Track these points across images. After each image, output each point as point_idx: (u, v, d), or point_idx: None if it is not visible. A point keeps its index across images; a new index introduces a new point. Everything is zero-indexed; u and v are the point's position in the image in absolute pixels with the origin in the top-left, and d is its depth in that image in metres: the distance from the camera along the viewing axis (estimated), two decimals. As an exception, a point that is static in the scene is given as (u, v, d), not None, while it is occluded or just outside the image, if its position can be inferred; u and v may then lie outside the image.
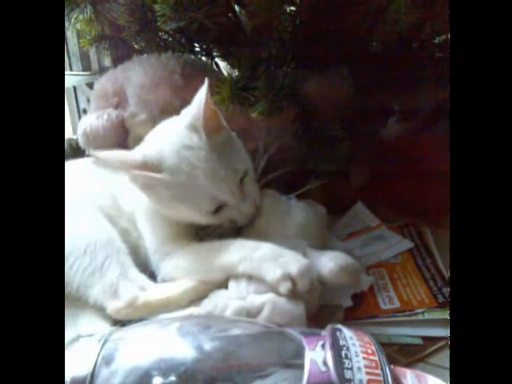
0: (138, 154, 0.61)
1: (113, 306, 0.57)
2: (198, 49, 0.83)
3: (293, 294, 0.53)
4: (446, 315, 0.58)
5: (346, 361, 0.39)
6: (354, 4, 0.66)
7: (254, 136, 0.71)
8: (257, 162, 0.68)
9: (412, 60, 0.76)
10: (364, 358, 0.40)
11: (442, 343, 0.57)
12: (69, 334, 0.53)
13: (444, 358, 0.55)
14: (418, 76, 0.75)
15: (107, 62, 1.14)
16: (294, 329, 0.45)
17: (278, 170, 0.69)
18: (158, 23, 0.67)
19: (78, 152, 0.81)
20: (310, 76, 0.70)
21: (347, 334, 0.43)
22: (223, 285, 0.58)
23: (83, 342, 0.45)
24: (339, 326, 0.45)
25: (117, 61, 0.86)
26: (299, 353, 0.40)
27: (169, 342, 0.43)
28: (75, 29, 0.81)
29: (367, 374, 0.38)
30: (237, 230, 0.65)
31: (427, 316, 0.59)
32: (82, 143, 0.79)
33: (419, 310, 0.60)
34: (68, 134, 1.13)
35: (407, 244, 0.73)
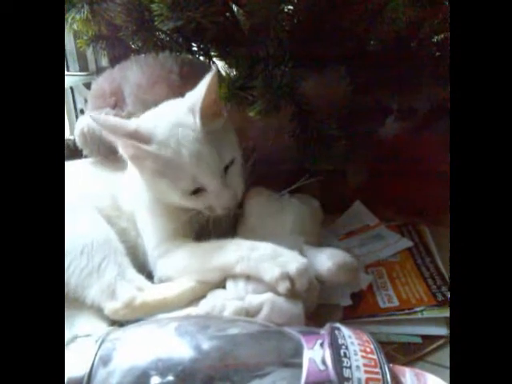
0: (133, 123, 0.61)
1: (110, 307, 0.57)
2: (195, 48, 0.83)
3: (291, 294, 0.53)
4: (445, 314, 0.58)
5: (345, 359, 0.39)
6: (351, 3, 0.66)
7: (250, 135, 0.70)
8: (248, 158, 0.68)
9: (410, 59, 0.76)
10: (363, 357, 0.39)
11: (440, 342, 0.57)
12: (66, 335, 0.52)
13: (443, 357, 0.54)
14: (416, 75, 0.75)
15: (104, 62, 1.14)
16: (292, 328, 0.45)
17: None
18: (156, 23, 0.67)
19: (76, 152, 0.80)
20: (308, 75, 0.70)
21: (346, 333, 0.43)
22: (221, 285, 0.58)
23: (80, 342, 0.45)
24: (338, 324, 0.45)
25: (114, 61, 0.86)
26: (298, 352, 0.40)
27: (166, 341, 0.43)
28: (72, 29, 0.80)
29: (366, 372, 0.38)
30: (231, 229, 0.64)
31: (426, 314, 0.59)
32: (79, 143, 0.78)
33: (418, 309, 0.60)
34: (65, 134, 1.13)
35: (406, 243, 0.73)
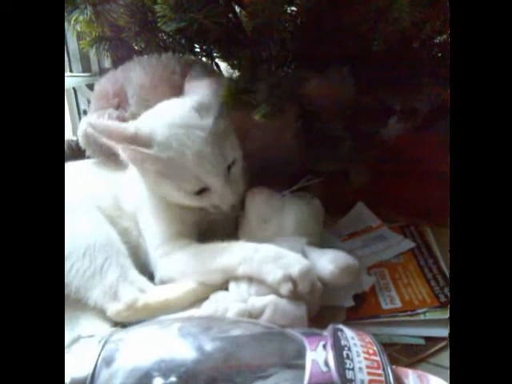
0: (131, 126, 0.60)
1: (113, 309, 0.57)
2: (198, 49, 0.83)
3: (294, 296, 0.53)
4: (448, 315, 0.58)
5: (348, 361, 0.39)
6: (354, 3, 0.66)
7: (253, 135, 0.70)
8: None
9: (413, 60, 0.76)
10: (365, 359, 0.39)
11: (443, 343, 0.56)
12: (69, 335, 0.53)
13: (446, 358, 0.54)
14: (418, 76, 0.75)
15: (107, 63, 1.14)
16: (295, 329, 0.45)
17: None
18: (158, 24, 0.67)
19: (79, 153, 0.80)
20: (311, 76, 0.70)
21: (348, 334, 0.42)
22: (223, 286, 0.58)
23: (83, 342, 0.45)
24: (340, 326, 0.44)
25: (117, 62, 0.86)
26: (300, 353, 0.40)
27: (169, 342, 0.43)
28: (75, 30, 0.80)
29: (369, 374, 0.38)
30: (233, 230, 0.65)
31: (429, 316, 0.59)
32: (82, 144, 0.78)
33: (421, 310, 0.60)
34: (68, 135, 1.13)
35: (408, 244, 0.73)
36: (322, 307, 0.58)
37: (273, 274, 0.53)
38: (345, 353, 0.40)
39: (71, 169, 0.71)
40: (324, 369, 0.38)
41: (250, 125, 0.69)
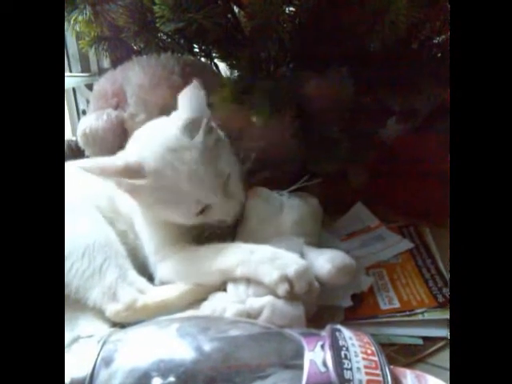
0: (120, 159, 0.59)
1: (112, 309, 0.57)
2: (197, 50, 0.83)
3: (291, 296, 0.53)
4: (446, 315, 0.58)
5: (346, 361, 0.39)
6: (353, 4, 0.66)
7: (252, 136, 0.71)
8: (243, 160, 0.68)
9: (412, 60, 0.76)
10: (363, 359, 0.40)
11: (441, 343, 0.57)
12: (68, 336, 0.53)
13: (444, 359, 0.54)
14: (418, 76, 0.75)
15: (106, 63, 1.14)
16: (293, 329, 0.45)
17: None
18: (157, 24, 0.67)
19: (78, 153, 0.81)
20: (310, 76, 0.70)
21: (346, 335, 0.43)
22: (221, 288, 0.58)
23: (82, 343, 0.45)
24: (338, 326, 0.45)
25: (116, 62, 0.86)
26: (298, 353, 0.40)
27: (168, 342, 0.43)
28: (74, 30, 0.80)
29: (367, 374, 0.38)
30: (231, 231, 0.65)
31: (427, 316, 0.59)
32: (81, 144, 0.79)
33: (419, 310, 0.60)
34: (67, 135, 1.13)
35: (407, 244, 0.73)
36: (320, 307, 0.58)
37: (269, 275, 0.54)
38: (343, 353, 0.40)
39: (70, 168, 0.70)
40: (322, 369, 0.38)
41: (248, 125, 0.69)
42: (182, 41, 0.80)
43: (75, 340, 0.51)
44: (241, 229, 0.65)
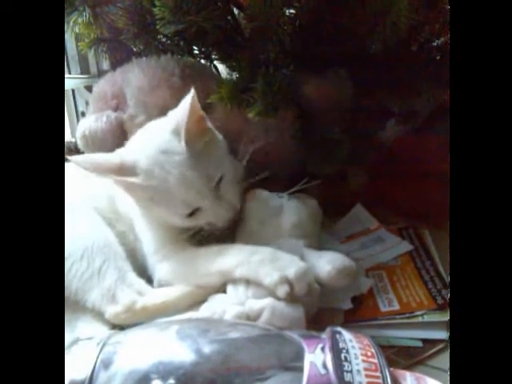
0: (116, 157, 0.61)
1: (111, 311, 0.57)
2: (196, 52, 0.83)
3: (291, 298, 0.53)
4: (446, 317, 0.58)
5: (346, 363, 0.39)
6: (353, 6, 0.66)
7: (250, 136, 0.71)
8: (239, 158, 0.68)
9: (411, 62, 0.76)
10: (363, 361, 0.40)
11: (441, 345, 0.57)
12: (67, 338, 0.53)
13: (443, 361, 0.54)
14: (417, 78, 0.75)
15: (106, 65, 1.14)
16: (293, 332, 0.45)
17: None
18: (157, 26, 0.67)
19: (77, 155, 0.80)
20: (309, 78, 0.70)
21: (347, 337, 0.43)
22: (221, 289, 0.58)
23: (82, 345, 0.45)
24: (339, 328, 0.45)
25: (115, 64, 0.86)
26: (299, 355, 0.40)
27: (167, 345, 0.43)
28: (74, 32, 0.80)
29: (367, 376, 0.38)
30: (230, 233, 0.65)
31: (426, 318, 0.59)
32: (80, 146, 0.79)
33: (419, 313, 0.60)
34: (67, 136, 1.13)
35: (406, 246, 0.73)
36: (320, 309, 0.58)
37: (269, 277, 0.54)
38: (343, 355, 0.40)
39: (69, 170, 0.70)
40: (322, 371, 0.38)
41: (247, 126, 0.69)
42: (181, 43, 0.80)
43: (74, 342, 0.51)
44: (240, 230, 0.65)
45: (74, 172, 0.72)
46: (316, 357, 0.39)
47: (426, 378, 0.44)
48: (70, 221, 0.55)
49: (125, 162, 0.59)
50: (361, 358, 0.40)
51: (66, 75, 1.20)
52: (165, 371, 0.39)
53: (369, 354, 0.41)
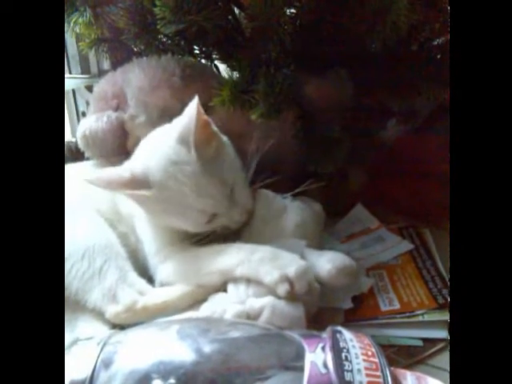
0: (126, 171, 0.59)
1: (112, 311, 0.57)
2: (197, 51, 0.83)
3: (291, 296, 0.53)
4: (446, 317, 0.58)
5: (346, 363, 0.39)
6: (353, 6, 0.66)
7: (253, 137, 0.70)
8: (249, 161, 0.68)
9: (411, 62, 0.76)
10: (364, 360, 0.40)
11: (442, 345, 0.57)
12: (68, 338, 0.53)
13: (444, 360, 0.54)
14: (417, 78, 0.75)
15: (106, 65, 1.14)
16: (293, 331, 0.45)
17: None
18: (158, 26, 0.67)
19: (77, 155, 0.81)
20: (310, 78, 0.70)
21: (347, 336, 0.43)
22: (221, 288, 0.58)
23: (82, 345, 0.45)
24: (339, 327, 0.45)
25: (116, 64, 0.86)
26: (299, 355, 0.40)
27: (168, 344, 0.43)
28: (74, 32, 0.80)
29: (367, 375, 0.38)
30: (233, 233, 0.65)
31: (427, 318, 0.59)
32: (81, 146, 0.78)
33: (419, 312, 0.60)
34: (67, 136, 1.13)
35: (407, 245, 0.73)
36: (320, 309, 0.58)
37: (270, 275, 0.54)
38: (343, 355, 0.40)
39: (70, 171, 0.70)
40: (323, 370, 0.38)
41: (249, 126, 0.69)
42: (182, 42, 0.80)
43: (75, 342, 0.51)
44: (244, 230, 0.65)
45: (76, 174, 0.72)
46: (316, 356, 0.39)
47: (427, 377, 0.44)
48: (71, 222, 0.55)
49: (136, 176, 0.58)
50: (361, 357, 0.40)
51: (67, 75, 1.20)
52: (165, 371, 0.39)
53: (369, 353, 0.41)
